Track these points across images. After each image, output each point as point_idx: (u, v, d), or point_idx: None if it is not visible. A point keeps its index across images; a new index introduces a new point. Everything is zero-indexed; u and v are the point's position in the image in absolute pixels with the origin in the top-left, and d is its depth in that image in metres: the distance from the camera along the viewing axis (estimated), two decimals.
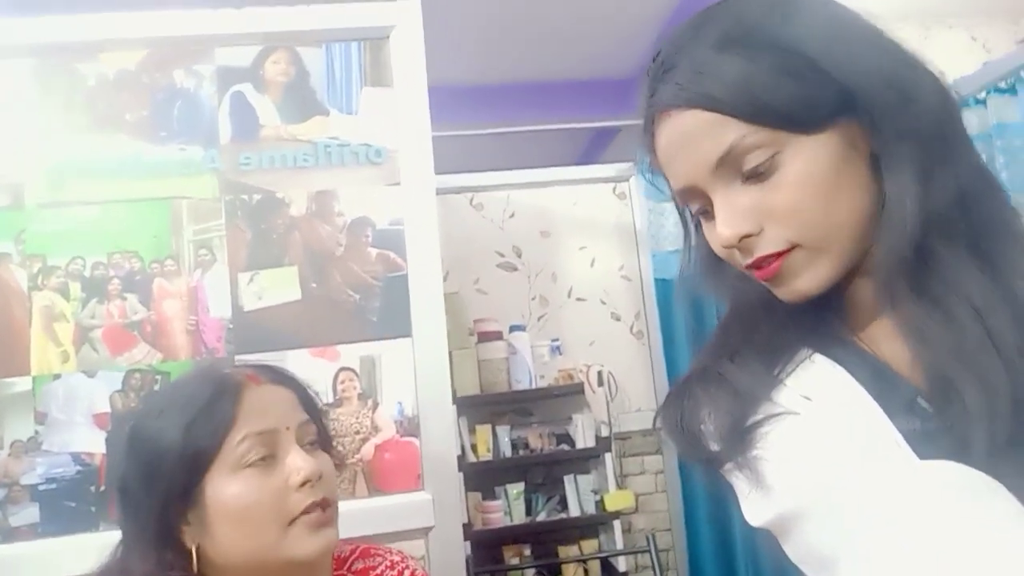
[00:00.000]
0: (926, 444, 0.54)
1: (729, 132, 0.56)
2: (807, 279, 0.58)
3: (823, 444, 0.57)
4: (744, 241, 0.57)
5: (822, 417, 0.58)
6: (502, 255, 3.11)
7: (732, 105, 0.55)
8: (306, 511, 0.78)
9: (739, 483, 0.62)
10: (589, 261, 3.15)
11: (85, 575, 0.82)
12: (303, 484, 0.78)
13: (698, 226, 0.67)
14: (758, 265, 0.58)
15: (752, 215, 0.57)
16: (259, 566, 0.78)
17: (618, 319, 3.13)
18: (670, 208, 3.13)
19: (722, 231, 0.58)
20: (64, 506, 1.27)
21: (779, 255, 0.57)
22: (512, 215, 3.14)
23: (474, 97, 4.02)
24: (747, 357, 0.64)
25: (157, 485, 0.76)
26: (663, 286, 2.92)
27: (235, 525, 0.76)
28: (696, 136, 0.57)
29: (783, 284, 0.59)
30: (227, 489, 0.76)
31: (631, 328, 3.13)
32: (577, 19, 3.48)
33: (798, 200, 0.55)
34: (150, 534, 0.76)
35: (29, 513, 1.26)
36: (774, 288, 0.60)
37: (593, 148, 4.80)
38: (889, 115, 0.55)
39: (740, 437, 0.61)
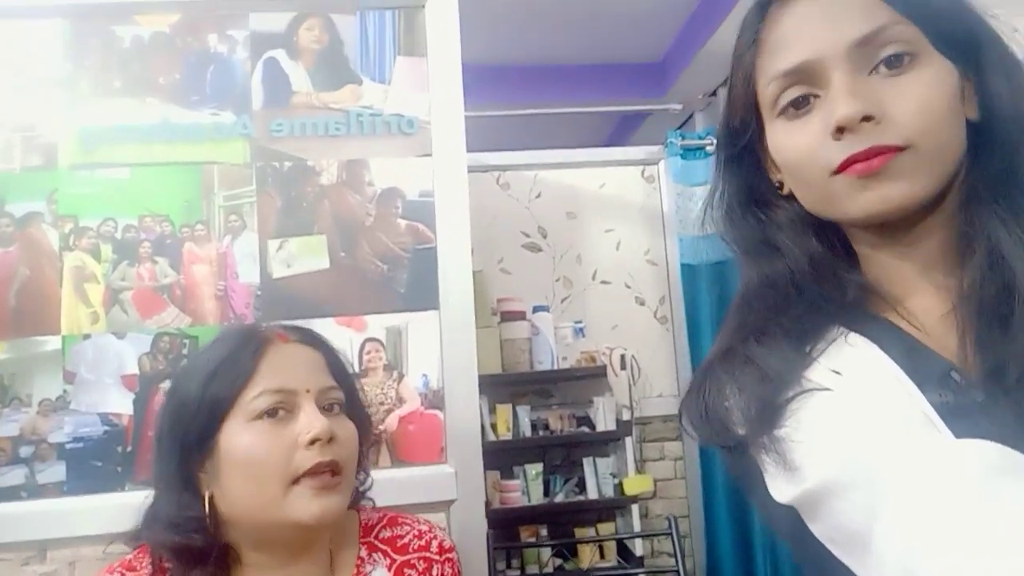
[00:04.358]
0: (959, 417, 0.53)
1: (882, 14, 0.57)
2: (907, 186, 0.56)
3: (855, 418, 0.56)
4: (860, 125, 0.56)
5: (854, 392, 0.57)
6: (527, 235, 3.09)
7: None
8: (312, 471, 0.77)
9: (766, 463, 0.60)
10: (615, 244, 3.12)
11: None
12: (312, 443, 0.77)
13: (733, 165, 0.66)
14: (868, 156, 0.56)
15: (878, 100, 0.56)
16: (259, 522, 0.78)
17: (642, 303, 3.11)
18: (699, 192, 3.09)
19: (846, 107, 0.56)
20: (90, 465, 1.28)
21: (892, 150, 0.55)
22: (538, 195, 3.11)
23: (504, 77, 4.00)
24: (775, 338, 0.62)
25: (179, 431, 0.79)
26: (689, 271, 2.89)
27: (241, 476, 0.77)
28: (844, 12, 0.57)
29: (880, 186, 0.56)
30: (238, 439, 0.77)
31: (655, 313, 3.11)
32: (609, 2, 3.43)
33: (930, 101, 0.56)
34: (173, 479, 0.79)
35: (56, 471, 1.27)
36: (861, 192, 0.57)
37: (620, 132, 4.76)
38: (1003, 70, 0.58)
39: (768, 416, 0.59)
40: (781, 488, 0.60)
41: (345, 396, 0.85)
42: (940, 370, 0.56)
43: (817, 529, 0.59)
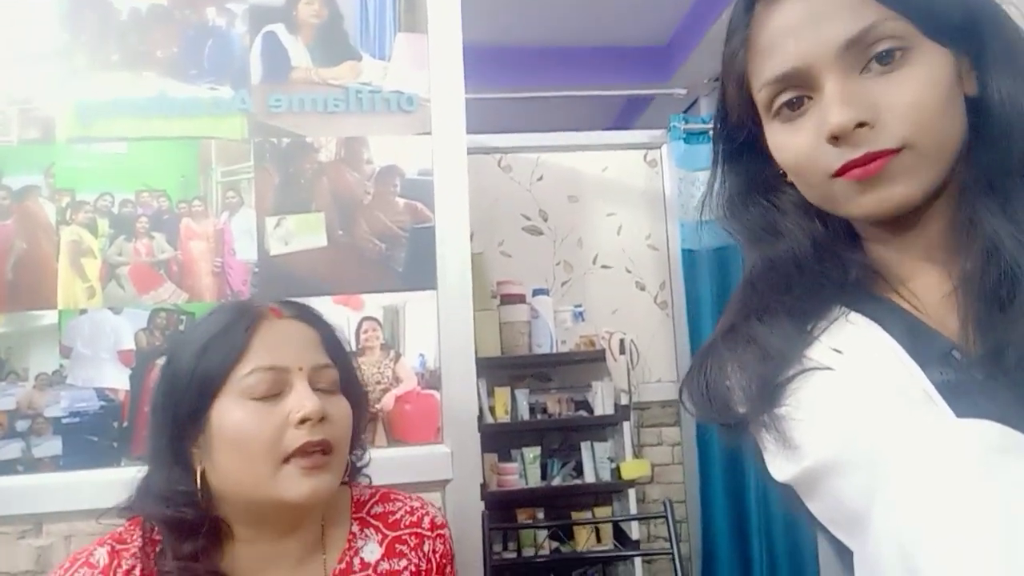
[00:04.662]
0: (960, 395, 0.52)
1: (869, 13, 0.55)
2: (907, 186, 0.55)
3: (856, 398, 0.56)
4: (855, 132, 0.55)
5: (854, 371, 0.57)
6: (528, 218, 3.08)
7: None
8: (302, 450, 0.76)
9: (766, 441, 0.60)
10: (616, 228, 3.11)
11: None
12: (302, 422, 0.76)
13: (732, 160, 0.66)
14: (864, 161, 0.55)
15: (871, 104, 0.55)
16: (249, 499, 0.78)
17: (643, 288, 3.10)
18: (701, 177, 3.08)
19: (839, 115, 0.55)
20: (86, 440, 1.28)
21: (888, 153, 0.54)
22: (540, 178, 3.09)
23: (508, 59, 3.96)
24: (777, 316, 0.62)
25: (172, 405, 0.78)
26: (689, 256, 2.88)
27: (232, 453, 0.76)
28: (831, 11, 0.55)
29: (879, 188, 0.56)
30: (229, 416, 0.76)
31: (655, 298, 3.10)
32: None
33: (924, 99, 0.54)
34: (165, 453, 0.78)
35: (52, 445, 1.27)
36: (861, 196, 0.57)
37: (626, 116, 4.73)
38: (1004, 52, 0.57)
39: (769, 395, 0.59)
40: (780, 467, 0.60)
41: (340, 374, 0.84)
42: (941, 348, 0.56)
43: (815, 508, 0.59)
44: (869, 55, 0.55)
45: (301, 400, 0.77)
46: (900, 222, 0.59)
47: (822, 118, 0.56)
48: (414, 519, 0.88)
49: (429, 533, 0.87)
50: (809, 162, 0.58)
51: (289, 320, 0.82)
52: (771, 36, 0.58)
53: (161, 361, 0.85)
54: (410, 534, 0.87)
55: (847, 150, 0.55)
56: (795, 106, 0.58)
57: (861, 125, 0.54)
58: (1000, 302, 0.53)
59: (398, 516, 0.88)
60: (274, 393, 0.77)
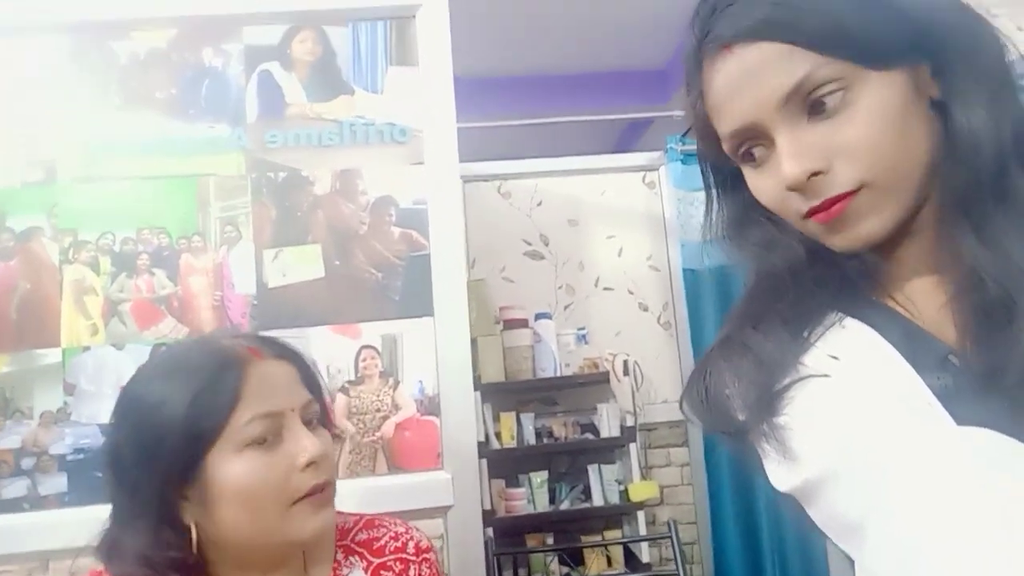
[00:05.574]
0: (957, 400, 0.52)
1: (801, 64, 0.54)
2: (872, 223, 0.56)
3: (852, 405, 0.56)
4: (810, 181, 0.55)
5: (851, 378, 0.57)
6: (529, 243, 3.10)
7: (808, 34, 0.54)
8: (309, 493, 0.76)
9: (766, 450, 0.60)
10: (617, 250, 3.13)
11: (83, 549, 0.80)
12: (308, 465, 0.76)
13: (724, 188, 0.66)
14: (824, 207, 0.56)
15: (821, 152, 0.55)
16: (259, 545, 0.77)
17: (645, 309, 3.10)
18: (700, 197, 3.08)
19: (790, 169, 0.55)
20: (91, 476, 1.29)
21: (846, 196, 0.55)
22: (540, 203, 3.12)
23: (507, 88, 4.02)
24: (772, 324, 0.62)
25: (157, 459, 0.73)
26: (691, 276, 2.88)
27: (237, 504, 0.74)
28: (764, 69, 0.55)
29: (845, 228, 0.56)
30: (230, 468, 0.74)
31: (658, 319, 3.10)
32: (608, 9, 3.45)
33: (872, 135, 0.54)
34: (148, 510, 0.73)
35: (57, 482, 1.29)
36: (833, 235, 0.57)
37: (627, 140, 4.76)
38: (961, 57, 0.55)
39: (766, 404, 0.59)
40: (781, 477, 0.60)
41: (318, 406, 0.84)
42: (938, 353, 0.55)
43: (816, 517, 0.59)
44: (810, 101, 0.54)
45: (302, 443, 0.77)
46: (887, 242, 0.58)
47: (778, 171, 0.57)
48: (399, 544, 0.88)
49: (414, 558, 0.87)
50: (781, 206, 0.59)
51: (270, 360, 0.81)
52: (716, 95, 0.59)
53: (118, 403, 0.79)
54: (395, 560, 0.87)
55: (807, 197, 0.56)
56: (755, 155, 0.59)
57: (816, 174, 0.55)
58: (994, 322, 0.53)
59: (383, 542, 0.88)
60: (271, 437, 0.76)
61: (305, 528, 0.77)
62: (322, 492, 0.78)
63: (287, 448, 0.77)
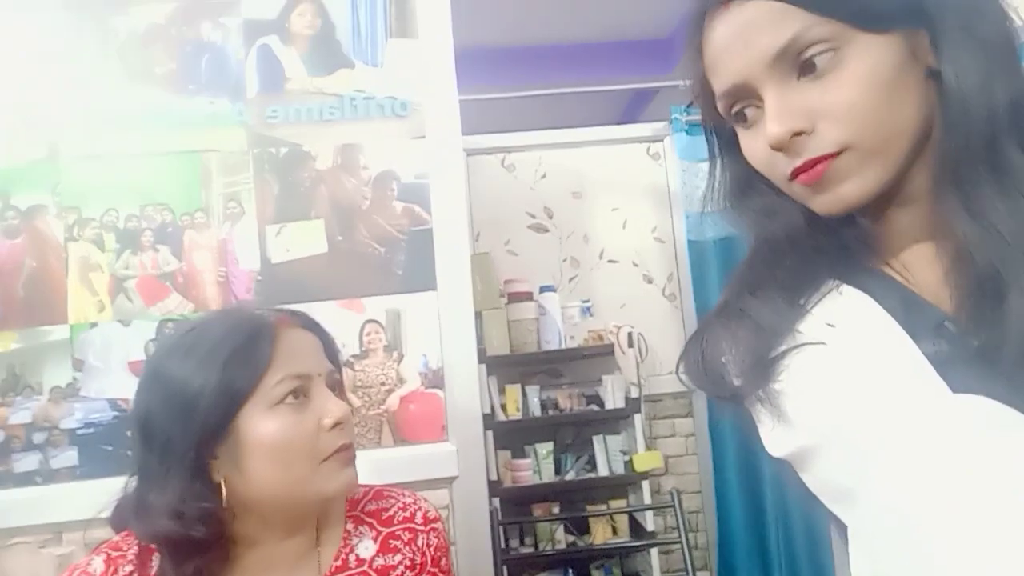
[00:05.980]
0: (952, 367, 0.53)
1: (793, 22, 0.54)
2: (854, 185, 0.56)
3: (846, 373, 0.56)
4: (793, 141, 0.55)
5: (846, 345, 0.57)
6: (533, 216, 3.09)
7: None
8: (336, 451, 0.81)
9: (761, 415, 0.61)
10: (621, 223, 3.12)
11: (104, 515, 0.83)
12: (335, 426, 0.80)
13: (726, 155, 0.66)
14: (806, 167, 0.56)
15: (806, 112, 0.55)
16: (287, 501, 0.80)
17: (650, 281, 3.10)
18: (704, 168, 3.06)
19: (772, 128, 0.55)
20: (101, 450, 1.31)
21: (828, 157, 0.55)
22: (544, 176, 3.11)
23: (510, 58, 3.98)
24: (770, 291, 0.63)
25: (191, 419, 0.77)
26: (696, 248, 2.88)
27: (269, 461, 0.78)
28: (757, 26, 0.55)
29: (828, 190, 0.56)
30: (263, 426, 0.77)
31: (663, 290, 3.10)
32: None
33: (858, 98, 0.54)
34: (180, 468, 0.76)
35: (68, 456, 1.31)
36: (816, 196, 0.57)
37: (632, 111, 4.72)
38: (959, 23, 0.55)
39: (762, 370, 0.60)
40: (776, 442, 0.60)
41: (339, 377, 0.88)
42: (934, 320, 0.55)
43: (810, 482, 0.60)
44: (800, 62, 0.55)
45: (328, 405, 0.81)
46: (885, 200, 0.59)
47: (764, 130, 0.57)
48: (407, 515, 0.90)
49: (422, 527, 0.89)
50: (768, 167, 0.59)
51: (298, 329, 0.85)
52: (712, 53, 0.59)
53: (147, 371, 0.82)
54: (404, 529, 0.89)
55: (790, 158, 0.56)
56: (746, 116, 0.59)
57: (798, 134, 0.55)
58: (987, 297, 0.53)
59: (391, 512, 0.90)
60: (300, 399, 0.80)
61: (333, 483, 0.80)
62: (347, 451, 0.82)
63: (315, 408, 0.80)
